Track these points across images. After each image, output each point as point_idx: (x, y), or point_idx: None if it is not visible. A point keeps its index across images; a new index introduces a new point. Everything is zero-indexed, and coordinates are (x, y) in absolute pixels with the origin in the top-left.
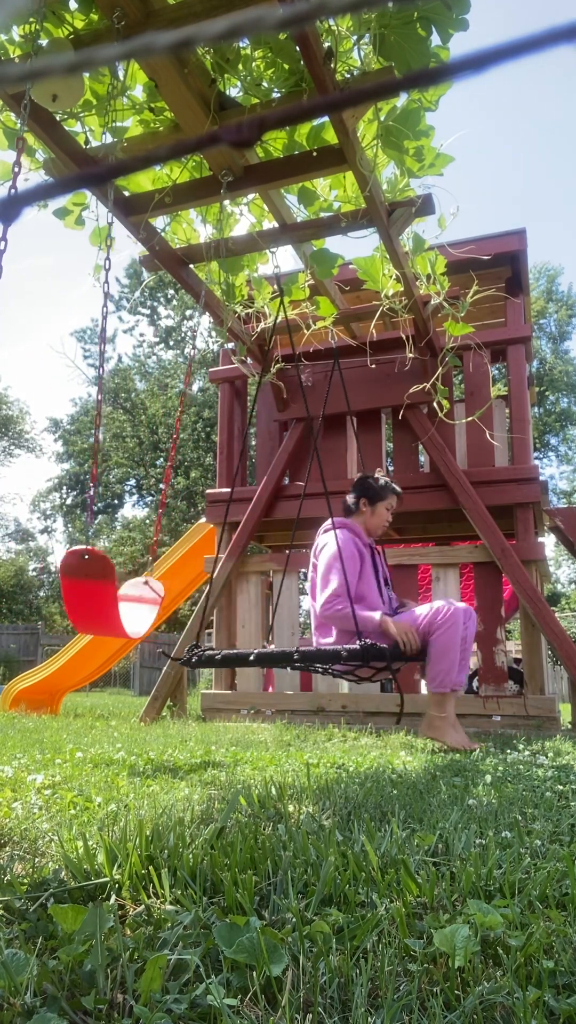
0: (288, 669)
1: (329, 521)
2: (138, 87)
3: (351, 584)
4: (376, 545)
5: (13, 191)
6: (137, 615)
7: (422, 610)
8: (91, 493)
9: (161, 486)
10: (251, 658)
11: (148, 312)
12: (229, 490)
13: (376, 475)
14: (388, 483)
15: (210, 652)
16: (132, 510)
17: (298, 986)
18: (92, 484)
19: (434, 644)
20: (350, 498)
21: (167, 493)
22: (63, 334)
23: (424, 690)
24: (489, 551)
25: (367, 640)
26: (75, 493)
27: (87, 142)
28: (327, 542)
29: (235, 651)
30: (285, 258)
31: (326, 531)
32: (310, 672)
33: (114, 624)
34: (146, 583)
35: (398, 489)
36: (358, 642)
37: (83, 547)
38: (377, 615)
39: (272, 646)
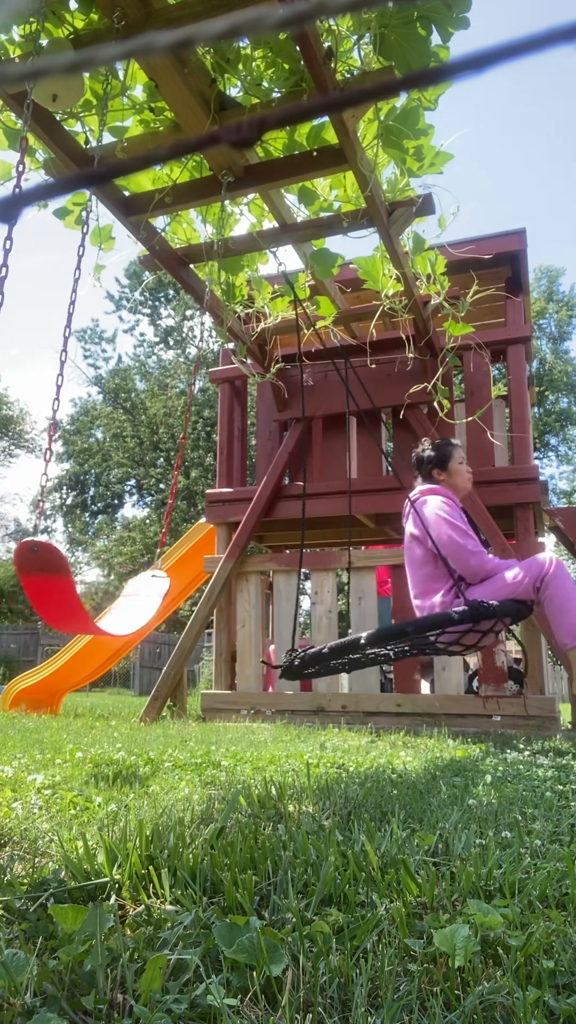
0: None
1: (417, 491)
2: (138, 87)
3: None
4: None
5: (18, 190)
6: (132, 612)
7: (518, 570)
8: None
9: (161, 486)
10: (362, 641)
11: (148, 312)
12: (229, 490)
13: (423, 446)
14: (440, 443)
15: (312, 650)
16: (132, 510)
17: (298, 986)
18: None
19: (552, 600)
20: (424, 480)
21: (176, 484)
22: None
23: (425, 690)
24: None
25: (476, 599)
26: (75, 493)
27: (87, 142)
28: (432, 510)
29: (339, 640)
30: (285, 258)
31: (422, 501)
32: (415, 654)
33: (82, 620)
34: (152, 576)
35: (454, 441)
36: (464, 603)
37: (31, 539)
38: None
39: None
